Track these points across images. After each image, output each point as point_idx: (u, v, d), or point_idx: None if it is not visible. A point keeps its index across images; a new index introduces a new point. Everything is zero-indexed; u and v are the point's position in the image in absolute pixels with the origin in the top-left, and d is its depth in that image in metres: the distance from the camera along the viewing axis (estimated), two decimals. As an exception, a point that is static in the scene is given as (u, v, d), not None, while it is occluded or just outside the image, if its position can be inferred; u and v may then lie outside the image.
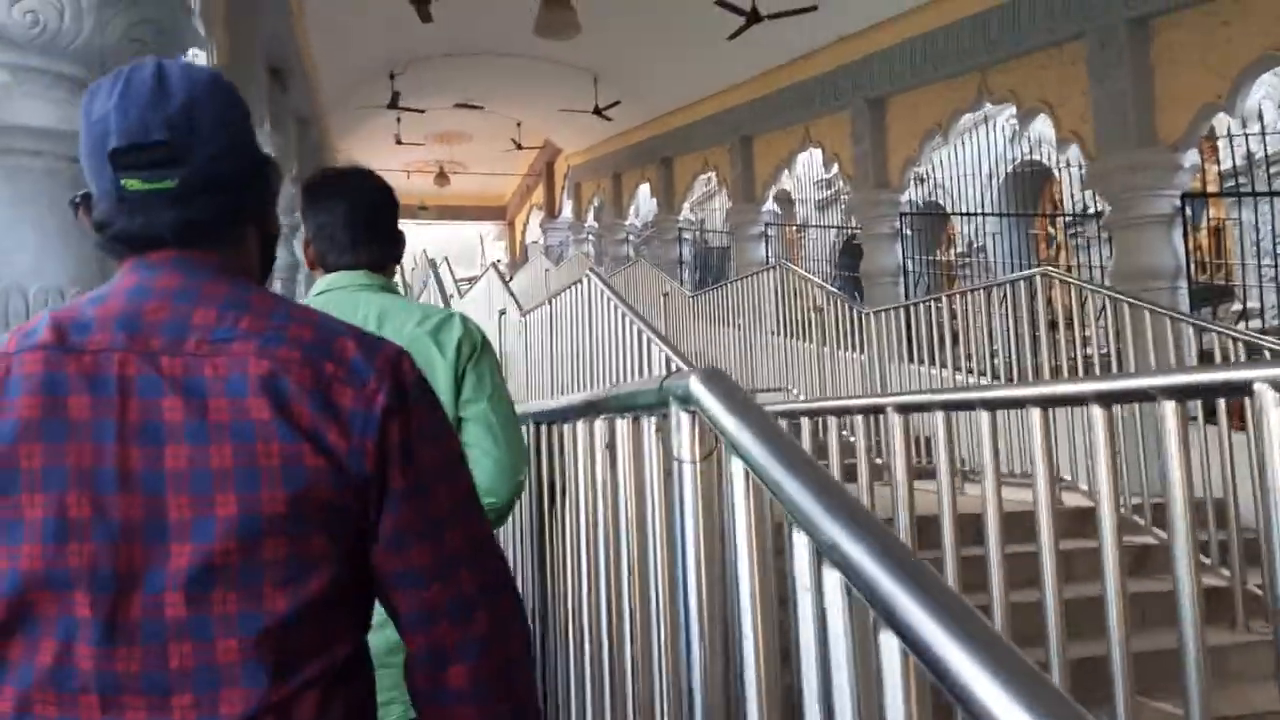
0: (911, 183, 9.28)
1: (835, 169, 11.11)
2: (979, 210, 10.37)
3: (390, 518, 0.98)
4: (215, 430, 0.92)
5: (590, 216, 17.96)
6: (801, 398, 8.85)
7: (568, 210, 19.45)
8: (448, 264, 13.23)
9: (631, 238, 16.68)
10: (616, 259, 16.14)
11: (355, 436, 0.95)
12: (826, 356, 8.46)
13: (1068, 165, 8.82)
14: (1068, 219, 9.79)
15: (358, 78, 12.99)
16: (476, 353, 1.93)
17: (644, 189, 15.55)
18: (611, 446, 1.99)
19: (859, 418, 3.83)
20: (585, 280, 5.73)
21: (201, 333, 0.95)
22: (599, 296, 5.54)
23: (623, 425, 1.87)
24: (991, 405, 2.79)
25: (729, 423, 1.25)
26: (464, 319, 1.99)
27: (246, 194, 1.05)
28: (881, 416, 3.34)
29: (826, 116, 10.11)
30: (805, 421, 3.20)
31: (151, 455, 0.91)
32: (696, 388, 1.37)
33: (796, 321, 9.22)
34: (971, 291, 6.78)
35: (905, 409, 3.18)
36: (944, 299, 6.98)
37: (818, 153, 11.05)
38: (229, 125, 1.02)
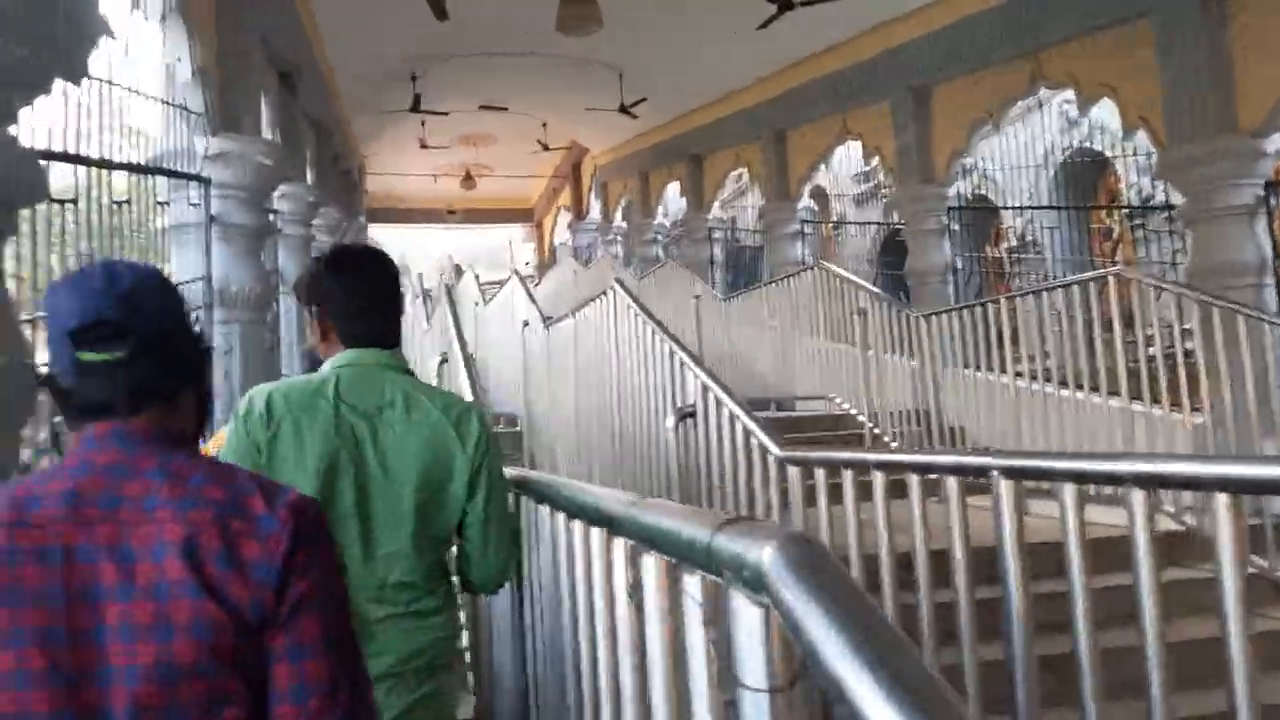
0: (958, 175, 8.63)
1: (875, 162, 10.47)
2: (1030, 203, 9.71)
3: (279, 635, 1.13)
4: (139, 591, 1.08)
5: (618, 217, 17.43)
6: (845, 405, 8.27)
7: (595, 211, 18.94)
8: (473, 270, 12.75)
9: (660, 237, 16.11)
10: (645, 260, 15.57)
11: (257, 586, 1.11)
12: (872, 361, 7.84)
13: (1128, 153, 8.11)
14: (1129, 211, 9.13)
15: (378, 80, 12.52)
16: (489, 450, 1.99)
17: (673, 188, 14.98)
18: (636, 592, 1.41)
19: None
20: (610, 293, 5.18)
21: (132, 503, 1.12)
22: (625, 309, 5.00)
23: (653, 566, 1.30)
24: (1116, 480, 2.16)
25: (837, 648, 0.69)
26: (480, 414, 2.03)
27: (185, 362, 1.22)
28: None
29: (866, 107, 9.49)
30: (878, 478, 2.66)
31: (95, 613, 1.07)
32: (774, 569, 0.81)
33: (837, 324, 8.62)
34: (1037, 292, 6.15)
35: (1016, 474, 2.40)
36: (1003, 301, 6.34)
37: (856, 146, 10.44)
38: (167, 309, 1.21)
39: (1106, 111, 8.61)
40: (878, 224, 13.06)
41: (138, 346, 1.15)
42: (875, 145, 9.43)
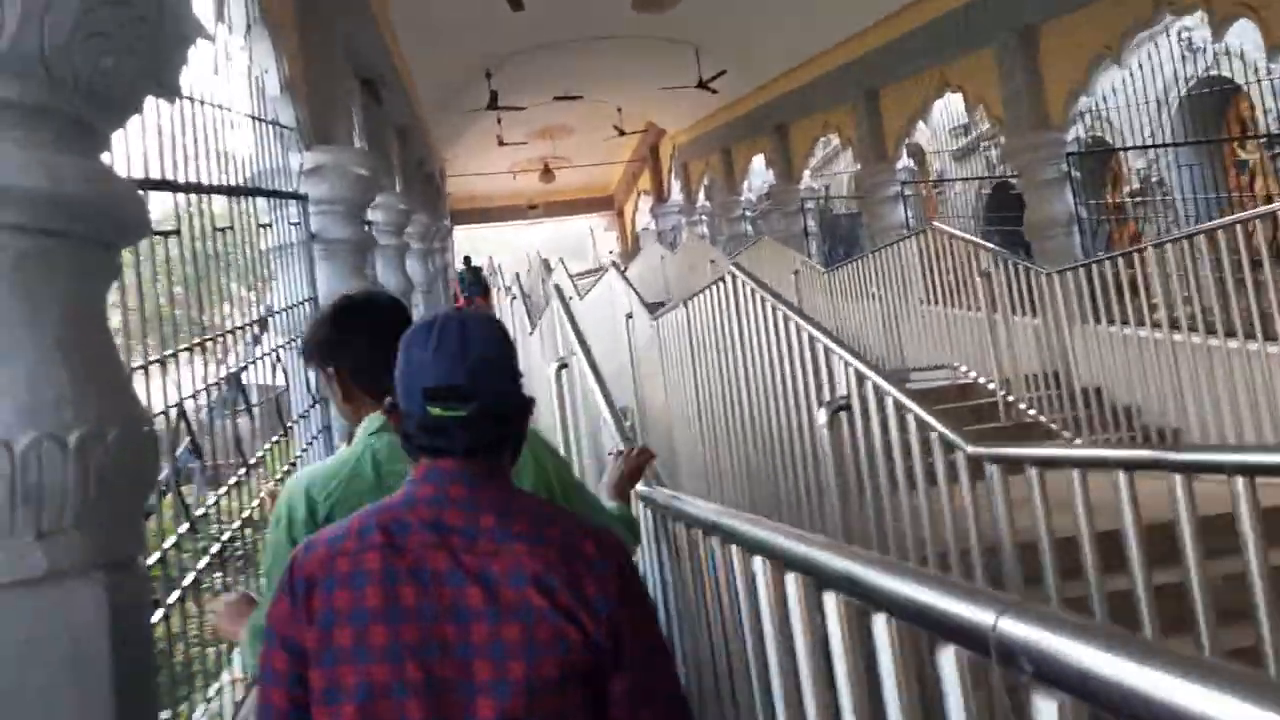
0: (1075, 118, 7.99)
1: (980, 113, 9.83)
2: (1153, 141, 8.97)
3: (620, 680, 1.27)
4: (506, 613, 1.23)
5: (701, 196, 17.01)
6: (971, 373, 7.76)
7: (676, 192, 18.55)
8: (563, 264, 12.52)
9: (748, 213, 15.63)
10: (734, 237, 15.14)
11: (599, 617, 1.26)
12: (999, 325, 7.30)
13: (1266, 76, 7.37)
14: (1268, 139, 8.32)
15: (455, 81, 12.35)
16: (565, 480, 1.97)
17: (757, 161, 14.49)
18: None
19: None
20: (729, 278, 4.81)
21: (487, 535, 1.28)
22: (747, 295, 4.62)
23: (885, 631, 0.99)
24: None
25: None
26: (547, 447, 2.00)
27: (514, 423, 1.40)
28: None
29: (966, 56, 8.88)
30: (1034, 474, 2.20)
31: (462, 631, 1.22)
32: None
33: (952, 288, 8.09)
34: (1188, 238, 5.55)
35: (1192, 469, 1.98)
36: (1150, 250, 5.76)
37: (955, 99, 9.83)
38: (507, 374, 1.39)
39: (1233, 34, 7.86)
40: (985, 178, 12.34)
41: (479, 409, 1.31)
42: (978, 95, 8.82)
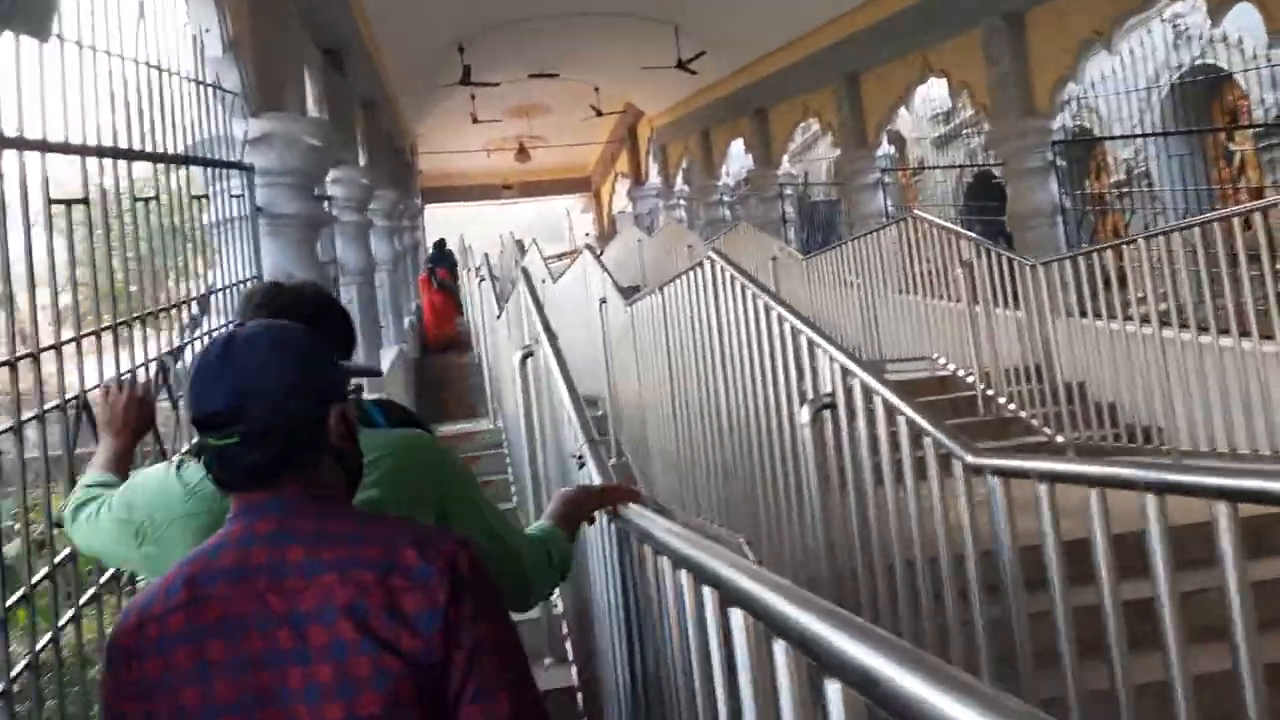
0: (1062, 106, 7.75)
1: (958, 101, 9.59)
2: (1138, 130, 8.76)
3: (456, 685, 1.17)
4: (316, 653, 1.14)
5: (679, 179, 16.69)
6: (950, 366, 7.54)
7: (654, 175, 18.22)
8: (536, 245, 12.18)
9: (726, 198, 15.34)
10: (712, 222, 14.85)
11: (424, 634, 1.16)
12: (980, 317, 7.07)
13: (1256, 66, 7.16)
14: (1258, 131, 8.12)
15: (426, 54, 11.93)
16: (452, 483, 1.76)
17: (736, 145, 14.19)
18: None
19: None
20: (707, 264, 4.52)
21: (296, 570, 1.17)
22: (727, 282, 4.34)
23: None
24: None
25: None
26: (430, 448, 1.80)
27: (304, 436, 1.24)
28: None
29: (950, 40, 8.62)
30: (1043, 490, 1.96)
31: (277, 677, 1.14)
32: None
33: (932, 278, 7.85)
34: (1179, 230, 5.33)
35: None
36: (1141, 243, 5.53)
37: (938, 85, 9.58)
38: (285, 383, 1.23)
39: (1228, 21, 7.64)
40: (966, 166, 12.11)
41: (250, 432, 1.20)
42: (962, 80, 8.57)
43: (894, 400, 2.75)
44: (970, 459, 2.30)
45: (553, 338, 3.51)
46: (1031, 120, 7.73)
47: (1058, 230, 7.72)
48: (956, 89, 8.82)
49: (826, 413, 3.15)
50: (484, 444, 7.23)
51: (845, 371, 3.06)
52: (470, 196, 21.94)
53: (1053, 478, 2.06)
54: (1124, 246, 5.81)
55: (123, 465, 1.93)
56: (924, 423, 2.53)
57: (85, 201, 2.40)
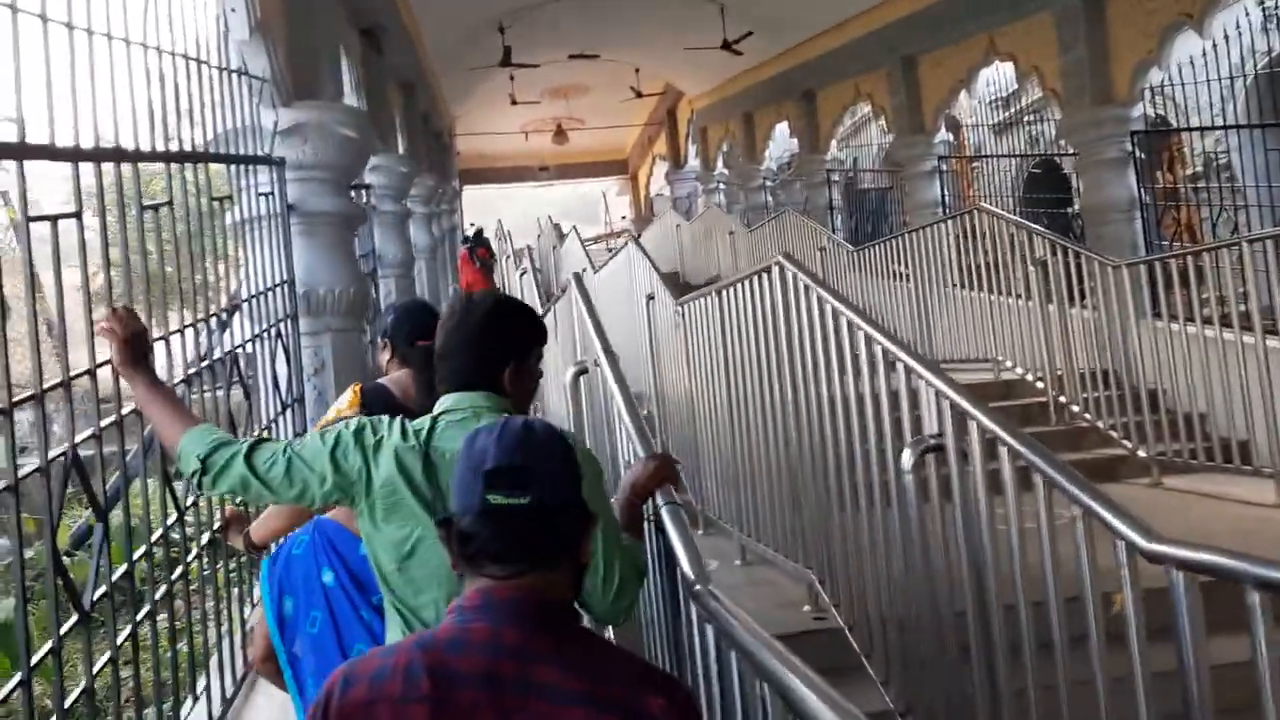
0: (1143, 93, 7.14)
1: (1034, 84, 8.97)
2: (1219, 121, 8.12)
3: None
4: None
5: (719, 163, 16.13)
6: (1016, 369, 7.01)
7: (693, 159, 17.68)
8: (576, 233, 11.73)
9: (769, 183, 14.78)
10: (753, 208, 14.31)
11: None
12: (1046, 316, 6.54)
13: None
14: None
15: (465, 35, 11.48)
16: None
17: (780, 129, 13.61)
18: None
19: None
20: (777, 270, 4.05)
21: (543, 692, 1.16)
22: (802, 292, 3.87)
23: None
24: None
25: None
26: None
27: (574, 521, 1.29)
28: None
29: (1019, 22, 8.02)
30: (1256, 599, 1.50)
31: None
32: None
33: (996, 274, 7.31)
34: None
35: None
36: (1244, 245, 4.99)
37: (1003, 69, 8.99)
38: (568, 475, 1.30)
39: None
40: (1032, 155, 11.45)
41: (539, 498, 1.23)
42: (1033, 65, 7.97)
43: (1035, 459, 2.28)
44: (1146, 544, 1.84)
45: (614, 359, 3.08)
46: (1108, 108, 7.13)
47: (1134, 226, 7.14)
48: (1025, 74, 8.22)
49: (933, 456, 2.70)
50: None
51: (962, 414, 2.59)
52: (507, 178, 21.50)
53: (1272, 586, 1.59)
54: (1221, 250, 5.27)
55: (181, 407, 1.91)
56: (1081, 494, 2.06)
57: (77, 216, 1.98)
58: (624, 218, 21.53)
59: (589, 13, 11.94)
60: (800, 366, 3.86)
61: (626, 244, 7.92)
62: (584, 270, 9.11)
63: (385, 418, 1.80)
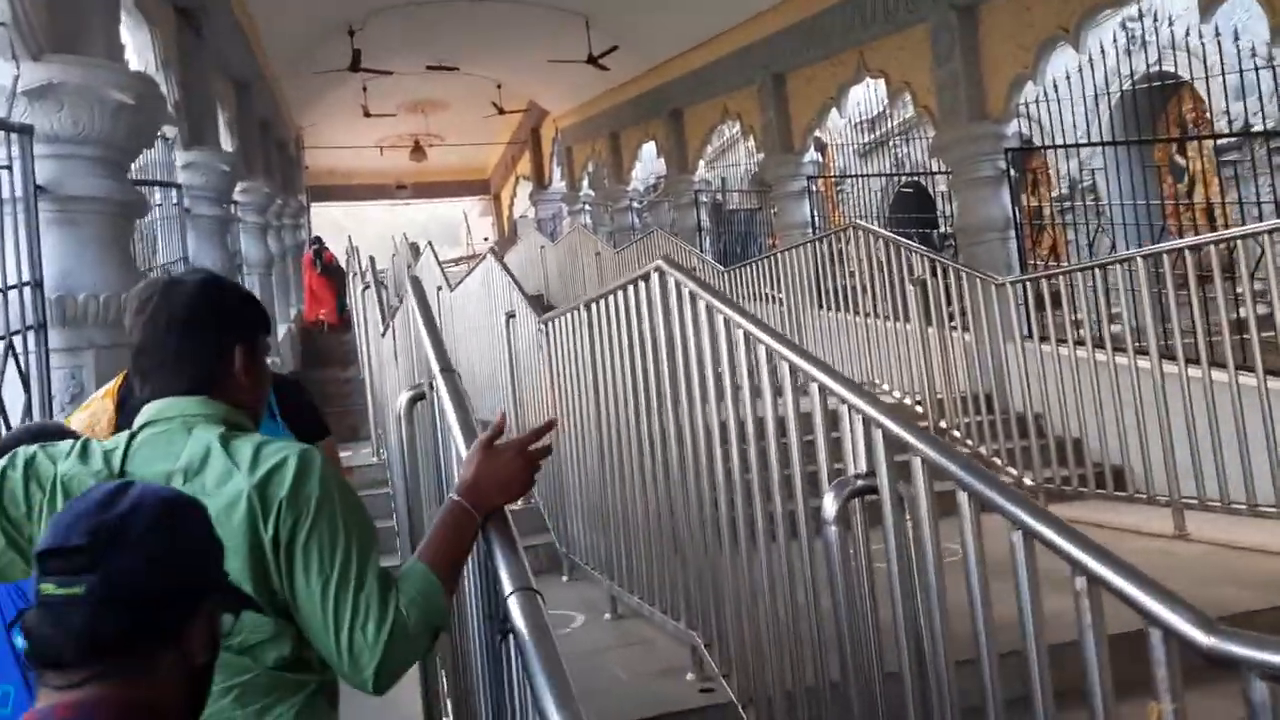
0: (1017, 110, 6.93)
1: (903, 104, 8.75)
2: (1087, 139, 8.05)
3: None
4: None
5: (585, 184, 15.57)
6: (894, 393, 6.64)
7: (558, 179, 17.05)
8: (432, 249, 10.88)
9: (636, 204, 14.30)
10: (621, 230, 13.79)
11: None
12: (925, 338, 6.19)
13: (1222, 72, 6.47)
14: (1223, 142, 7.44)
15: (311, 35, 10.52)
16: (314, 508, 1.34)
17: (648, 148, 13.16)
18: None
19: None
20: (657, 277, 3.43)
21: None
22: (680, 297, 3.28)
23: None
24: None
25: None
26: (305, 459, 1.37)
27: (159, 614, 0.97)
28: None
29: (891, 36, 7.75)
30: None
31: None
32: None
33: (872, 295, 6.96)
34: (1155, 255, 4.52)
35: None
36: (1138, 260, 4.67)
37: (863, 89, 8.74)
38: (162, 543, 0.98)
39: (1182, 25, 7.00)
40: (905, 175, 11.30)
41: (101, 583, 0.94)
42: (904, 80, 7.70)
43: (1023, 514, 1.70)
44: (1206, 639, 1.27)
45: (452, 377, 2.38)
46: (983, 125, 6.90)
47: (1009, 245, 6.91)
48: (896, 90, 7.96)
49: (861, 500, 2.11)
50: (366, 480, 5.95)
51: (896, 443, 2.00)
52: (361, 196, 20.31)
53: None
54: (1098, 269, 4.98)
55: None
56: (1109, 572, 1.46)
57: None
58: (486, 239, 20.68)
59: (447, 20, 11.18)
60: (685, 387, 3.24)
61: (484, 259, 7.18)
62: (439, 288, 8.31)
63: (68, 441, 1.44)
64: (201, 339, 1.46)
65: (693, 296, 3.20)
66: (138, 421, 1.43)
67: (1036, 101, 7.40)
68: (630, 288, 3.71)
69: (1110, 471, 5.24)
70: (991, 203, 6.95)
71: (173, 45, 5.61)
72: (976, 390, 6.14)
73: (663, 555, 3.62)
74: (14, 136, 2.83)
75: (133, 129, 3.24)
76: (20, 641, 1.15)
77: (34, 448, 1.40)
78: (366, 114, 14.74)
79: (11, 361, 2.74)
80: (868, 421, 2.12)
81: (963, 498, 1.84)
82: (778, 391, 2.60)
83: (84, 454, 1.38)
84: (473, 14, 11.11)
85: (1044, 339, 5.78)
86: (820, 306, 7.78)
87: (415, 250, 13.56)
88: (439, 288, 8.25)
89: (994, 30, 6.81)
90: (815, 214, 9.44)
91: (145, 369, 1.45)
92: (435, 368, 2.40)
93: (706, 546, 3.19)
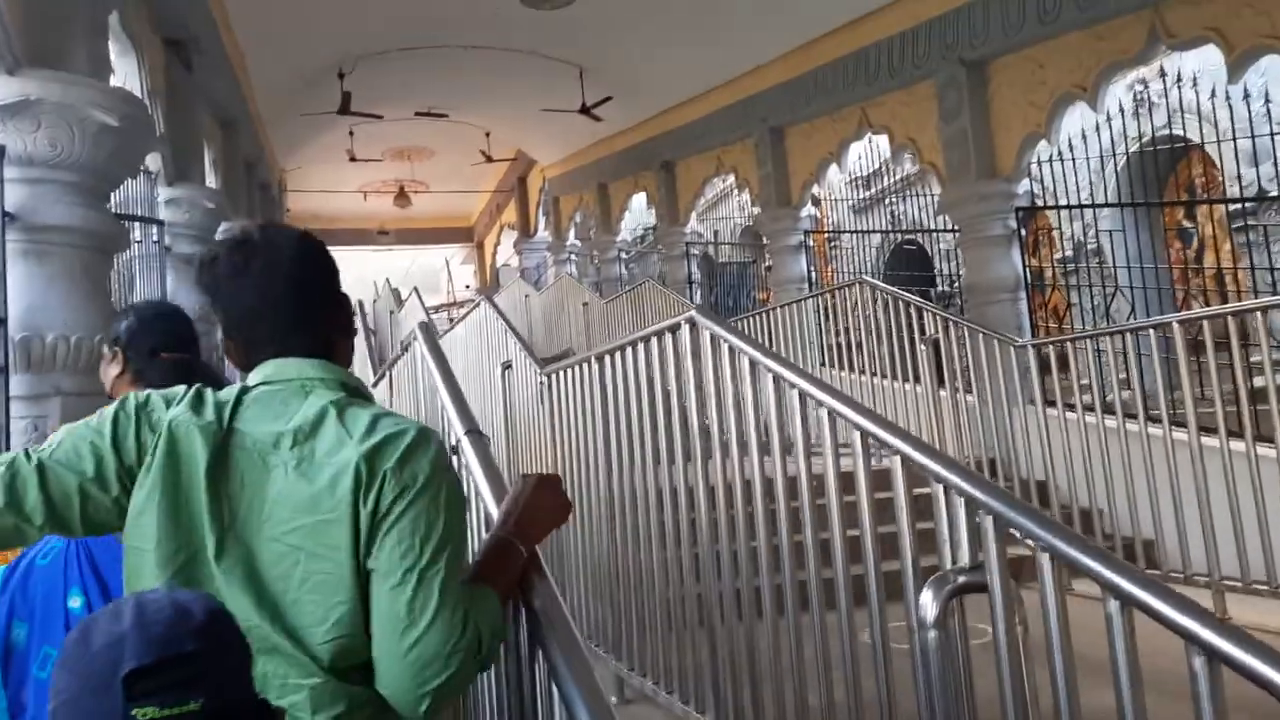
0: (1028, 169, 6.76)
1: (904, 160, 8.60)
2: (1091, 199, 7.89)
3: None
4: None
5: (571, 234, 15.34)
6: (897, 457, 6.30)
7: (544, 229, 16.81)
8: (418, 294, 10.56)
9: (623, 255, 14.06)
10: (608, 280, 13.53)
11: None
12: (935, 400, 5.93)
13: (1231, 137, 6.34)
14: (1240, 207, 7.28)
15: (300, 74, 10.25)
16: (420, 487, 1.24)
17: (637, 200, 12.96)
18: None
19: None
20: (686, 329, 3.13)
21: None
22: (716, 353, 2.99)
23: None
24: None
25: None
26: (420, 436, 1.29)
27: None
28: None
29: (896, 92, 7.61)
30: None
31: None
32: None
33: (875, 354, 6.71)
34: (1165, 324, 4.31)
35: None
36: (1176, 324, 4.45)
37: (865, 147, 8.58)
38: (246, 653, 0.92)
39: (1195, 86, 6.90)
40: (906, 231, 11.12)
41: (217, 695, 0.82)
42: (908, 137, 7.55)
43: (1163, 607, 1.40)
44: None
45: (481, 441, 2.06)
46: (993, 183, 6.71)
47: (1020, 305, 6.69)
48: (900, 146, 7.79)
49: (962, 594, 1.79)
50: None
51: (996, 521, 1.70)
52: (343, 241, 19.92)
53: None
54: (1124, 334, 4.76)
55: None
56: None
57: None
58: (468, 287, 20.37)
59: (440, 66, 10.95)
60: (718, 442, 2.96)
61: (477, 305, 6.87)
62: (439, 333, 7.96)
63: (181, 386, 1.33)
64: (322, 298, 1.39)
65: (734, 353, 2.91)
66: (252, 379, 1.34)
67: (1039, 163, 7.27)
68: (655, 339, 3.42)
69: (1122, 545, 4.99)
70: (1002, 262, 6.75)
71: (160, 76, 5.30)
72: (979, 455, 5.90)
73: (685, 632, 3.28)
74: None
75: (116, 154, 2.90)
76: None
77: (145, 391, 1.32)
78: (352, 159, 14.48)
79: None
80: (971, 504, 1.81)
81: (1113, 607, 1.52)
82: (840, 452, 2.33)
83: (198, 402, 1.29)
84: (464, 61, 10.90)
85: (1050, 403, 5.54)
86: (822, 363, 7.55)
87: (397, 296, 13.22)
88: (438, 333, 7.91)
89: (1004, 87, 6.66)
90: (811, 269, 9.22)
91: (260, 333, 1.34)
92: (460, 430, 2.08)
93: (744, 627, 2.87)
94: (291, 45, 9.07)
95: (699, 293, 11.29)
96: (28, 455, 1.26)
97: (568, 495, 1.57)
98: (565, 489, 4.45)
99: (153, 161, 5.43)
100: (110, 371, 2.00)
